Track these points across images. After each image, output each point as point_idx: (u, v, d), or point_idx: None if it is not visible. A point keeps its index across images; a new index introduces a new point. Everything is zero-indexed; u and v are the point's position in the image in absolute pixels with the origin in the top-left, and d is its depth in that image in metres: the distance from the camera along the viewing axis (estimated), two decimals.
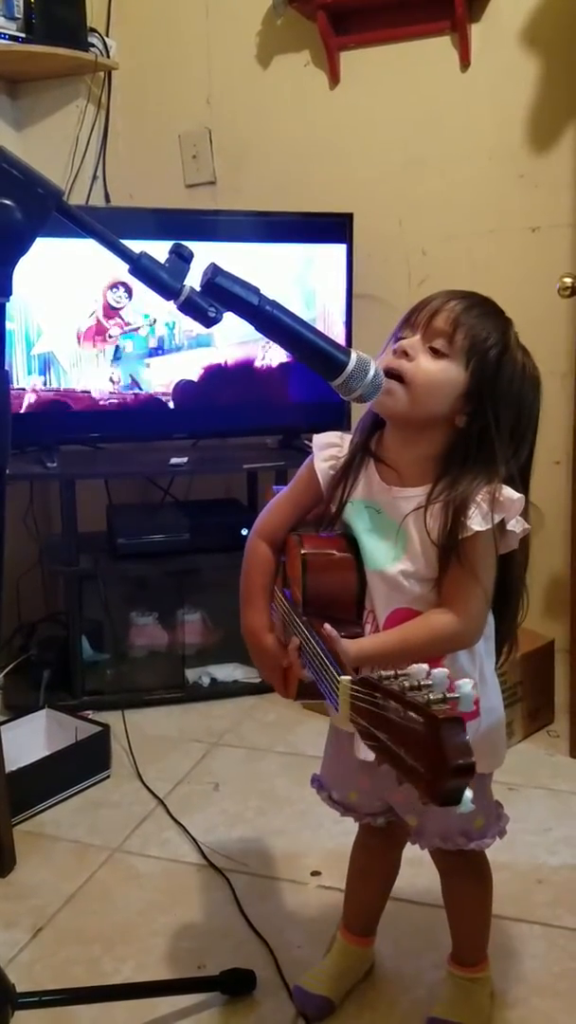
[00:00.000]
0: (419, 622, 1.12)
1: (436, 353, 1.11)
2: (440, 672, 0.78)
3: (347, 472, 1.20)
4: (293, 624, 1.16)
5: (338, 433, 1.25)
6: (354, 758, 1.21)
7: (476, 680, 1.17)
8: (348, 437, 1.24)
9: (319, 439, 1.25)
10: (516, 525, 1.10)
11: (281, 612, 1.25)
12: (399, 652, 1.11)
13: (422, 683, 0.77)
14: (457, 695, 0.75)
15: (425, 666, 0.79)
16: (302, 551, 1.16)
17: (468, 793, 0.73)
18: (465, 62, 2.42)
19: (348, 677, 0.88)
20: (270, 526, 1.27)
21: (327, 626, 1.06)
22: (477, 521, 1.08)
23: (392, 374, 1.11)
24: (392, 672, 0.80)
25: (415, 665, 0.79)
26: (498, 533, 1.10)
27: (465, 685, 0.76)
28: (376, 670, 0.97)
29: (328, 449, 1.23)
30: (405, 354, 1.12)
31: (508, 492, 1.10)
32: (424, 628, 1.12)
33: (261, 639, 1.24)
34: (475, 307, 1.12)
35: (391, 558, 1.15)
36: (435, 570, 1.12)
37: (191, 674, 2.52)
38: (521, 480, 1.14)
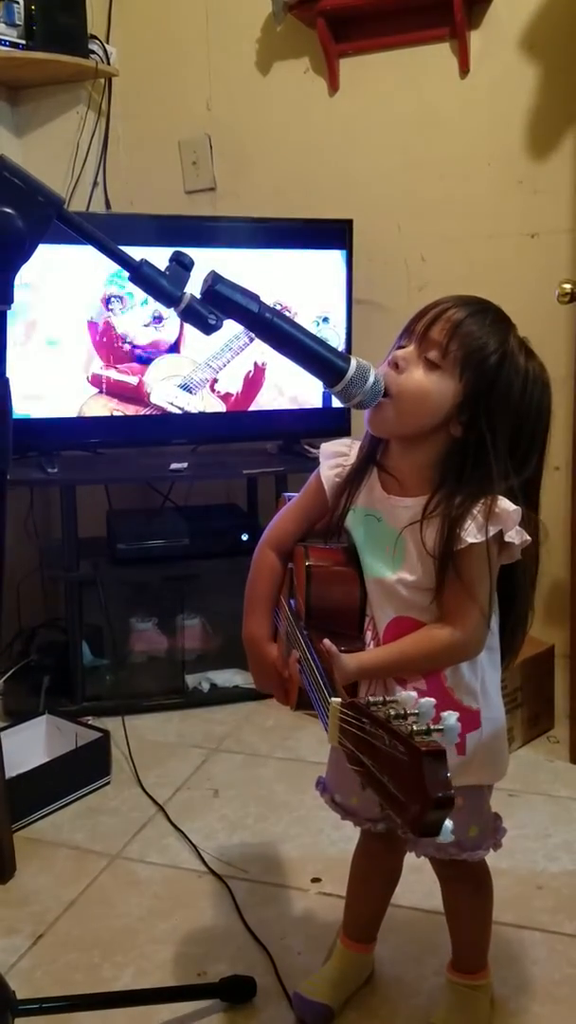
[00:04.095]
0: (418, 636, 1.12)
1: (430, 364, 1.10)
2: (427, 702, 0.78)
3: (352, 480, 1.20)
4: (294, 635, 1.16)
5: (347, 441, 1.25)
6: None
7: (478, 690, 1.17)
8: (356, 445, 1.23)
9: (326, 448, 1.25)
10: (515, 536, 1.09)
11: (284, 622, 1.26)
12: (398, 666, 1.12)
13: (408, 711, 0.77)
14: (441, 727, 0.75)
15: (414, 694, 0.79)
16: (307, 563, 1.16)
17: (448, 824, 0.73)
18: (464, 69, 2.42)
19: (338, 700, 0.88)
20: (278, 535, 1.27)
21: (326, 641, 1.06)
22: (471, 533, 1.08)
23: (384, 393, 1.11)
24: (381, 698, 0.80)
25: (404, 692, 0.79)
26: (494, 545, 1.09)
27: (450, 717, 0.76)
28: (371, 690, 0.96)
29: (335, 458, 1.24)
30: (397, 366, 1.12)
31: (504, 503, 1.09)
32: (422, 642, 1.12)
33: (261, 648, 1.24)
34: (474, 315, 1.10)
35: (389, 566, 1.15)
36: (432, 580, 1.12)
37: (191, 679, 2.52)
38: (527, 494, 1.13)
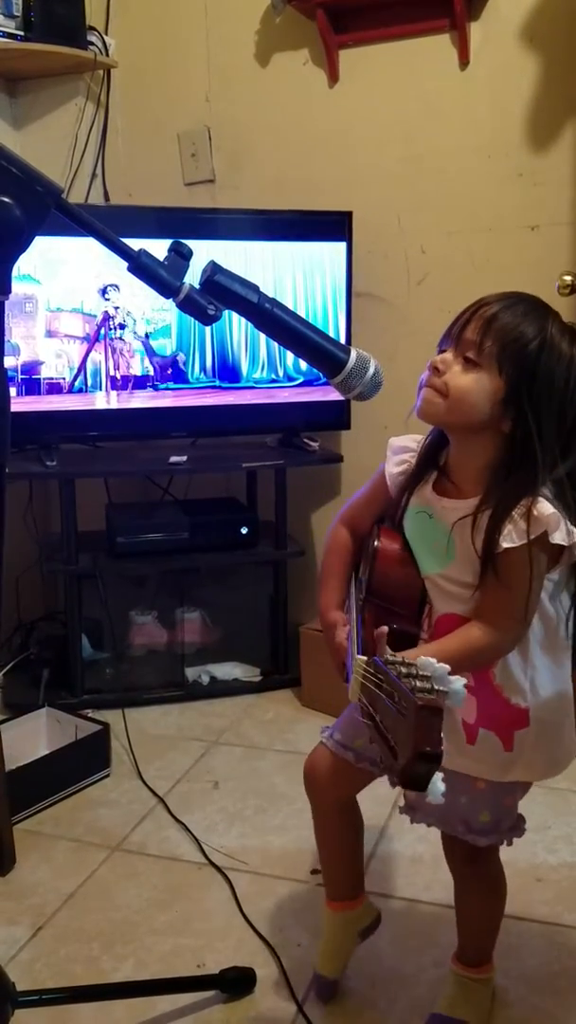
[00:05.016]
0: (456, 635, 1.13)
1: (469, 363, 1.10)
2: (441, 667, 0.79)
3: (413, 481, 1.22)
4: (354, 606, 1.18)
5: (416, 437, 1.25)
6: None
7: (527, 689, 1.17)
8: (423, 440, 1.25)
9: (394, 442, 1.27)
10: (563, 538, 1.08)
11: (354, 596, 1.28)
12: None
13: (421, 673, 0.79)
14: (446, 689, 0.77)
15: (433, 660, 0.80)
16: (375, 542, 1.20)
17: (440, 785, 0.74)
18: (464, 60, 2.41)
19: (364, 657, 0.91)
20: (349, 513, 1.32)
21: (383, 628, 1.08)
22: (510, 538, 1.08)
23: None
24: (400, 659, 0.82)
25: (424, 658, 0.80)
26: (536, 549, 1.08)
27: (457, 682, 0.77)
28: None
29: (401, 454, 1.25)
30: (437, 370, 1.12)
31: (542, 507, 1.08)
32: (459, 641, 1.13)
33: (327, 615, 1.26)
34: (507, 308, 1.10)
35: (438, 563, 1.17)
36: (478, 577, 1.13)
37: (190, 672, 2.53)
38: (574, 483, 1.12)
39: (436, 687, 0.77)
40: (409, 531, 1.21)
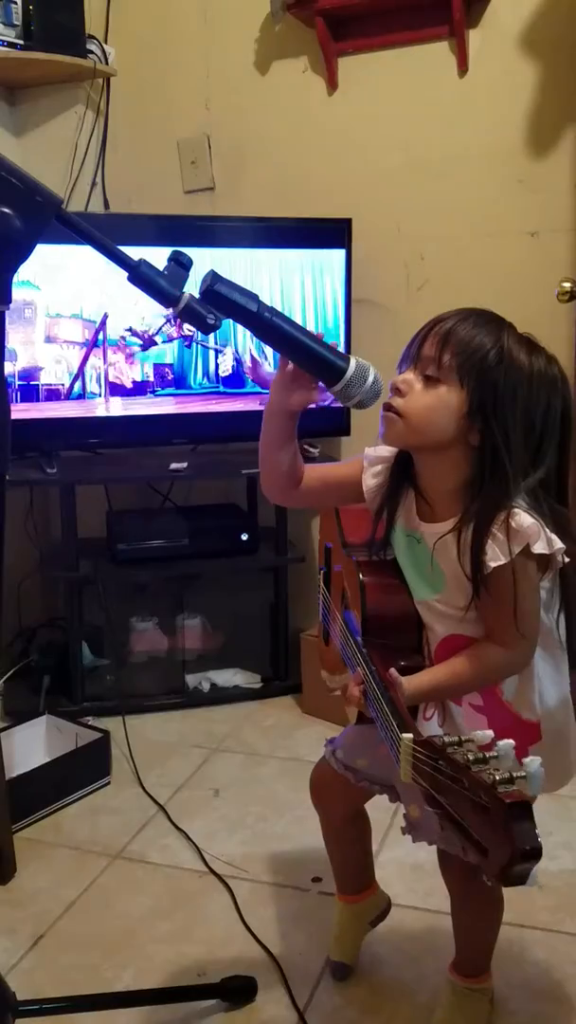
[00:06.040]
0: (466, 655, 1.13)
1: (429, 380, 1.10)
2: (505, 744, 0.75)
3: (390, 498, 1.21)
4: (353, 652, 1.17)
5: (391, 449, 1.24)
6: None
7: (536, 701, 1.17)
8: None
9: (370, 453, 1.26)
10: (544, 547, 1.07)
11: (341, 635, 1.27)
12: (451, 686, 1.13)
13: (488, 755, 0.75)
14: (524, 774, 0.72)
15: (490, 733, 0.77)
16: (360, 577, 1.18)
17: (534, 872, 0.71)
18: (463, 67, 2.42)
19: (410, 736, 0.86)
20: (317, 465, 1.29)
21: (392, 671, 1.07)
22: (494, 556, 1.07)
23: (389, 410, 1.12)
24: (456, 738, 0.78)
25: (480, 732, 0.77)
26: (522, 561, 1.07)
27: (533, 763, 0.73)
28: (426, 709, 0.93)
29: (377, 465, 1.24)
30: (399, 390, 1.11)
31: (520, 518, 1.07)
32: (471, 661, 1.12)
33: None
34: (461, 322, 1.09)
35: (430, 589, 1.16)
36: (470, 598, 1.12)
37: (191, 679, 2.53)
38: (553, 488, 1.12)
39: (514, 774, 0.71)
40: (401, 556, 1.21)
